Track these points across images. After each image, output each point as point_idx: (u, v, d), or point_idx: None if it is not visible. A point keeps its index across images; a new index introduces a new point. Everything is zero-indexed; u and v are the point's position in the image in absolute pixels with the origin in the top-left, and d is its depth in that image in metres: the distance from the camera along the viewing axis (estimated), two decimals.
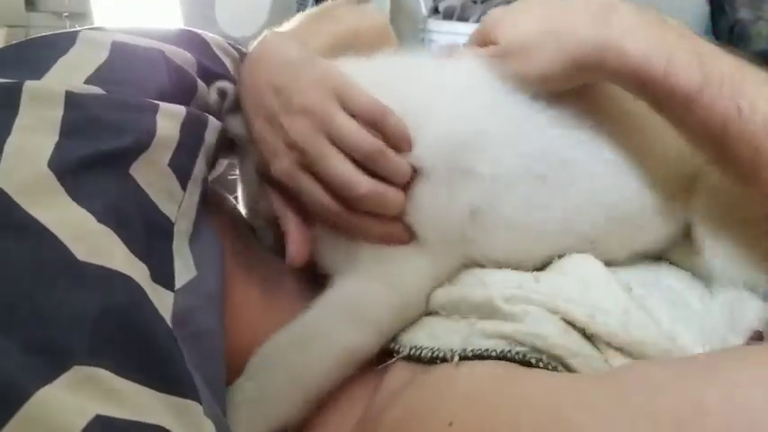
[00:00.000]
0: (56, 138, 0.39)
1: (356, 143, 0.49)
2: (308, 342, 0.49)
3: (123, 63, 0.48)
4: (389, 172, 0.50)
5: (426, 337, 0.52)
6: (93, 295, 0.35)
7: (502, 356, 0.47)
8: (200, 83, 0.57)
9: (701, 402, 0.35)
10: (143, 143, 0.43)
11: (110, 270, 0.37)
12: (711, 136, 0.45)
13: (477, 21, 2.37)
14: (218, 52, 0.62)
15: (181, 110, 0.48)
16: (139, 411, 0.33)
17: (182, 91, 0.52)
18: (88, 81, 0.45)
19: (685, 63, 0.46)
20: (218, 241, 0.49)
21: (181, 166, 0.46)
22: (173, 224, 0.45)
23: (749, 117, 0.43)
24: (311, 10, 0.61)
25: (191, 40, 0.59)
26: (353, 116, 0.49)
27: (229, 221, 0.58)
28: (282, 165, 0.51)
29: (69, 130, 0.41)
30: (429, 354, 0.50)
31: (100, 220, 0.39)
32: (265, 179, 0.55)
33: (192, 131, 0.48)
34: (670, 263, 0.60)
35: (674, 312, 0.51)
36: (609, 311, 0.48)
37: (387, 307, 0.51)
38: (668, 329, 0.49)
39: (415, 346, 0.50)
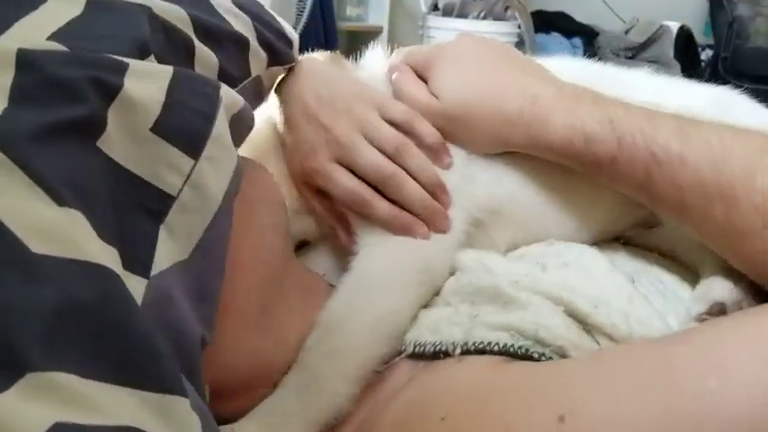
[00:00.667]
0: (4, 105, 0.34)
1: (386, 138, 0.55)
2: (346, 321, 0.51)
3: (96, 18, 0.42)
4: (415, 166, 0.55)
5: (428, 331, 0.52)
6: (49, 291, 0.31)
7: (504, 351, 0.46)
8: (201, 46, 0.50)
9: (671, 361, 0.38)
10: (105, 108, 0.37)
11: (71, 260, 0.32)
12: (640, 186, 0.49)
13: (477, 17, 2.38)
14: (220, 11, 0.55)
15: (165, 69, 0.42)
16: (107, 414, 0.30)
17: (171, 50, 0.46)
18: (52, 37, 0.38)
19: (599, 131, 0.50)
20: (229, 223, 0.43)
21: (176, 130, 0.39)
22: (173, 197, 0.38)
23: (665, 159, 0.47)
24: None
25: None
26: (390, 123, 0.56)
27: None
28: (319, 160, 0.56)
29: (20, 96, 0.35)
30: (432, 348, 0.49)
31: (60, 203, 0.33)
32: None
33: (188, 91, 0.41)
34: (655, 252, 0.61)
35: (665, 304, 0.52)
36: (611, 303, 0.49)
37: (413, 266, 0.55)
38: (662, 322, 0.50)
39: (420, 343, 0.50)
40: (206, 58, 0.50)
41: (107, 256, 0.34)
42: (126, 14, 0.44)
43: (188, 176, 0.39)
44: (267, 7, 0.61)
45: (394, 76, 0.58)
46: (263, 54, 0.56)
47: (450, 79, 0.55)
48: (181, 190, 0.38)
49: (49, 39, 0.38)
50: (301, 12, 2.41)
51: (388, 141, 0.55)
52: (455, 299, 0.53)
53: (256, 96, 0.57)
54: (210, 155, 0.40)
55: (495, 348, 0.46)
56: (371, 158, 0.54)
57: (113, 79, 0.37)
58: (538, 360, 0.45)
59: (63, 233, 0.32)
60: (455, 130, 0.55)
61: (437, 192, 0.55)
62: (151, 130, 0.38)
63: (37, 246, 0.31)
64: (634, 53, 2.72)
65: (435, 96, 0.55)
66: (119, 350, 0.32)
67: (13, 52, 0.36)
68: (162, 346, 0.34)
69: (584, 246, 0.55)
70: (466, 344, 0.47)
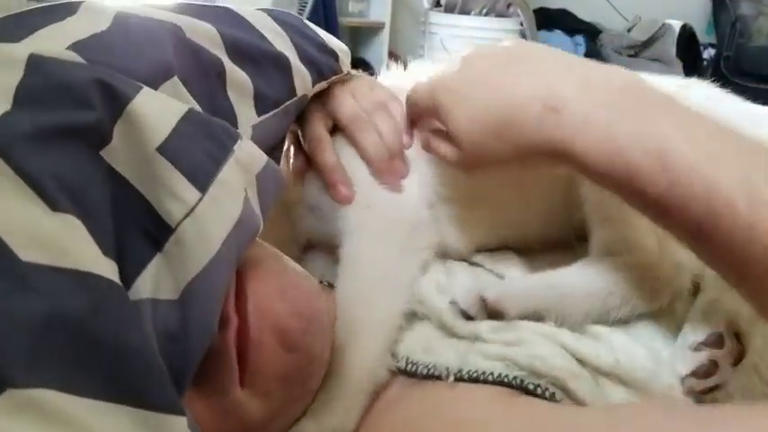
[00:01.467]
0: (7, 106, 0.32)
1: (367, 99, 0.60)
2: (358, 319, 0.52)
3: (120, 35, 0.41)
4: (384, 126, 0.60)
5: (421, 350, 0.51)
6: (37, 302, 0.29)
7: (498, 381, 0.45)
8: (233, 68, 0.48)
9: None
10: (113, 118, 0.36)
11: (62, 270, 0.30)
12: (691, 238, 0.40)
13: (479, 13, 2.37)
14: (259, 29, 0.53)
15: (180, 105, 0.40)
16: None
17: (199, 74, 0.45)
18: (71, 47, 0.37)
19: (647, 167, 0.40)
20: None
21: (183, 158, 0.37)
22: (171, 228, 0.36)
23: (726, 222, 0.37)
24: None
25: (221, 15, 0.51)
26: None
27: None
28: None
29: (24, 97, 0.33)
30: (425, 371, 0.48)
31: (54, 208, 0.31)
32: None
33: (200, 131, 0.39)
34: None
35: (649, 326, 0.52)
36: (594, 335, 0.49)
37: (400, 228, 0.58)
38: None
39: (412, 361, 0.50)
40: (238, 81, 0.48)
41: (104, 264, 0.32)
42: (151, 34, 0.43)
43: (192, 209, 0.36)
44: (269, 4, 0.59)
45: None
46: (305, 72, 0.54)
47: (458, 121, 0.50)
48: (180, 222, 0.36)
49: (68, 48, 0.37)
50: (303, 7, 2.41)
51: (367, 101, 0.60)
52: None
53: (298, 112, 0.56)
54: (215, 195, 0.37)
55: (490, 378, 0.45)
56: (350, 103, 0.59)
57: (124, 91, 0.36)
58: (533, 392, 0.44)
59: (55, 240, 0.30)
60: (485, 167, 0.52)
61: (396, 155, 0.58)
62: (157, 150, 0.36)
63: (26, 253, 0.30)
64: (636, 51, 2.72)
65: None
66: (110, 365, 0.30)
67: (25, 56, 0.35)
68: (158, 361, 0.32)
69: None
70: (460, 371, 0.46)
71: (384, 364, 0.49)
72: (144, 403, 0.30)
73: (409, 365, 0.48)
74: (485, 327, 0.48)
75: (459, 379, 0.46)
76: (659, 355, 0.48)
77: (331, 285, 0.54)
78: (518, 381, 0.44)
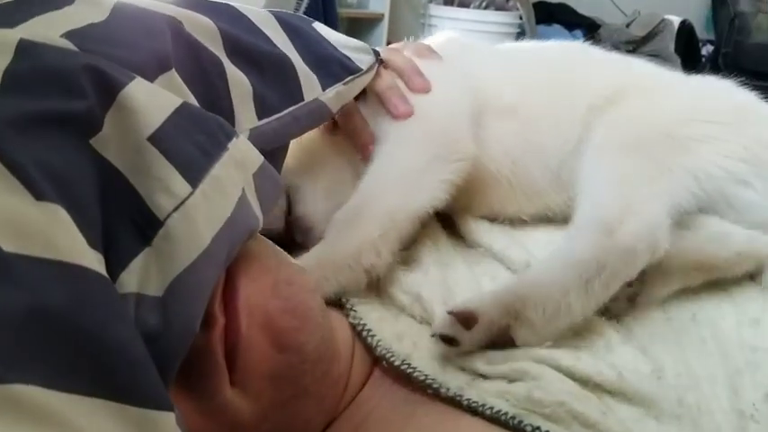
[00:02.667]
0: None
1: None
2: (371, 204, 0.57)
3: (118, 26, 0.40)
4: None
5: (429, 358, 0.49)
6: (18, 294, 0.28)
7: (495, 417, 0.44)
8: (231, 68, 0.47)
9: None
10: (104, 107, 0.34)
11: (45, 261, 0.29)
12: None
13: (479, 6, 2.36)
14: (263, 29, 0.52)
15: (174, 98, 0.39)
16: (75, 430, 0.28)
17: (198, 70, 0.44)
18: (66, 36, 0.36)
19: None
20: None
21: (175, 150, 0.36)
22: (159, 222, 0.34)
23: None
24: None
25: (223, 11, 0.50)
26: None
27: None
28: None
29: (11, 82, 0.32)
30: (428, 382, 0.46)
31: (38, 197, 0.30)
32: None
33: (194, 125, 0.39)
34: None
35: (650, 328, 0.51)
36: (592, 350, 0.49)
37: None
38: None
39: (412, 366, 0.49)
40: (237, 81, 0.47)
41: (90, 256, 0.31)
42: (150, 26, 0.42)
43: (182, 202, 0.35)
44: (262, 7, 0.57)
45: None
46: (312, 76, 0.53)
47: None
48: (170, 215, 0.34)
49: (62, 36, 0.36)
50: None
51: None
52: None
53: (315, 119, 0.54)
54: (207, 191, 0.36)
55: (488, 412, 0.44)
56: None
57: (116, 79, 0.35)
58: None
59: (39, 231, 0.29)
60: None
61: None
62: (149, 139, 0.35)
63: (8, 244, 0.28)
64: (635, 47, 2.71)
65: None
66: (95, 359, 0.29)
67: (15, 40, 0.33)
68: (146, 356, 0.31)
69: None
70: (460, 396, 0.45)
71: (375, 253, 0.53)
72: (131, 399, 0.30)
73: (409, 369, 0.48)
74: (480, 361, 0.48)
75: (457, 404, 0.45)
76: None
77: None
78: (516, 421, 0.43)
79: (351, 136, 0.63)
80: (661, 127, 0.60)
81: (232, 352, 0.39)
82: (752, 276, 0.55)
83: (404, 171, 0.59)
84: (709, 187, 0.57)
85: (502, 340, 0.48)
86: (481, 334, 0.47)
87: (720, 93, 0.68)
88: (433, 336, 0.48)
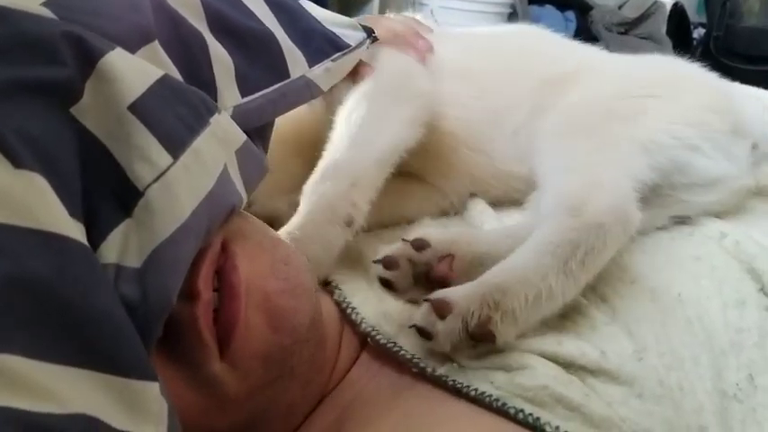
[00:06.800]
0: None
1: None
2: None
3: None
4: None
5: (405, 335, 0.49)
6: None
7: (479, 397, 0.44)
8: (214, 43, 0.45)
9: None
10: (83, 75, 0.34)
11: (25, 229, 0.29)
12: None
13: None
14: (248, 5, 0.51)
15: (155, 69, 0.38)
16: (58, 400, 0.27)
17: (181, 43, 0.43)
18: (46, 4, 0.35)
19: None
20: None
21: (156, 119, 0.35)
22: (140, 192, 0.34)
23: None
24: None
25: None
26: None
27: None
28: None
29: None
30: (409, 357, 0.47)
31: (17, 164, 0.29)
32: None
33: (176, 96, 0.38)
34: None
35: (635, 308, 0.52)
36: (576, 333, 0.49)
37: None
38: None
39: (395, 343, 0.48)
40: (220, 57, 0.46)
41: (71, 225, 0.31)
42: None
43: (163, 173, 0.34)
44: None
45: None
46: (298, 53, 0.52)
47: None
48: (149, 185, 0.34)
49: (42, 5, 0.35)
50: None
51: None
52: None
53: (303, 96, 0.54)
54: (188, 163, 0.36)
55: (472, 393, 0.44)
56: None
57: (96, 46, 0.34)
58: (514, 417, 0.43)
59: (18, 199, 0.29)
60: None
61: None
62: (129, 108, 0.34)
63: None
64: (627, 28, 2.70)
65: None
66: (77, 329, 0.29)
67: None
68: (129, 325, 0.31)
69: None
70: (446, 377, 0.46)
71: (350, 203, 0.54)
72: (114, 368, 0.29)
73: (390, 344, 0.48)
74: (463, 355, 0.47)
75: (443, 384, 0.46)
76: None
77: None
78: (499, 404, 0.44)
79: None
80: (603, 105, 0.62)
81: (229, 331, 0.39)
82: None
83: (362, 121, 0.59)
84: (661, 157, 0.58)
85: (481, 334, 0.46)
86: (455, 324, 0.46)
87: (656, 66, 0.71)
88: (410, 327, 0.47)
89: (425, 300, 0.47)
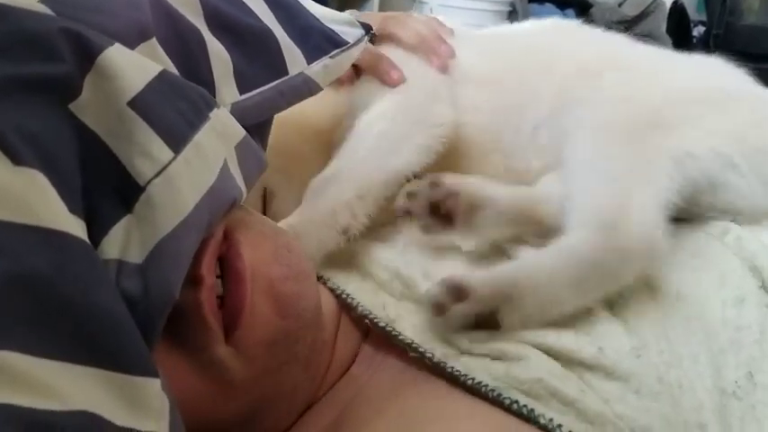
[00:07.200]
0: None
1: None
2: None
3: None
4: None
5: (411, 328, 0.50)
6: None
7: (476, 387, 0.45)
8: (212, 39, 0.45)
9: None
10: (82, 71, 0.34)
11: (24, 226, 0.29)
12: None
13: None
14: (246, 1, 0.51)
15: (154, 65, 0.38)
16: (59, 396, 0.27)
17: (179, 41, 0.43)
18: (44, 1, 0.35)
19: None
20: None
21: (156, 115, 0.35)
22: (140, 187, 0.34)
23: None
24: None
25: None
26: None
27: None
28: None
29: None
30: (411, 344, 0.48)
31: (16, 162, 0.29)
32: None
33: (175, 91, 0.38)
34: None
35: (634, 305, 0.51)
36: (574, 326, 0.49)
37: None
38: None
39: (393, 328, 0.49)
40: (218, 54, 0.46)
41: (71, 222, 0.31)
42: None
43: (164, 168, 0.34)
44: None
45: None
46: (297, 50, 0.52)
47: None
48: (151, 181, 0.34)
49: (39, 2, 0.35)
50: None
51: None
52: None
53: (301, 94, 0.53)
54: (189, 158, 0.36)
55: (469, 383, 0.45)
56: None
57: (95, 42, 0.34)
58: (509, 408, 0.44)
59: (18, 196, 0.29)
60: None
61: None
62: (129, 104, 0.34)
63: None
64: (627, 26, 2.70)
65: None
66: (78, 325, 0.29)
67: None
68: (130, 321, 0.31)
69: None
70: (444, 363, 0.46)
71: (351, 214, 0.56)
72: (115, 365, 0.29)
73: (389, 328, 0.49)
74: (464, 339, 0.48)
75: (440, 371, 0.46)
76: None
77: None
78: (495, 394, 0.44)
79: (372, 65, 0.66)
80: (649, 110, 0.60)
81: (235, 316, 0.39)
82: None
83: (382, 136, 0.61)
84: (695, 170, 0.56)
85: (486, 321, 0.48)
86: (469, 309, 0.48)
87: (710, 72, 0.68)
88: (424, 298, 0.49)
89: (443, 280, 0.49)
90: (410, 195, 0.58)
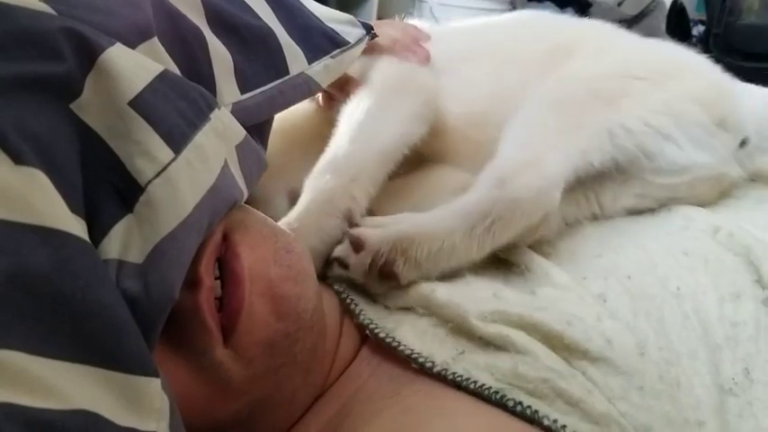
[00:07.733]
0: None
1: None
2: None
3: None
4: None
5: (414, 336, 0.49)
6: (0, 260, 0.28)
7: (478, 391, 0.44)
8: (213, 39, 0.45)
9: None
10: (83, 71, 0.34)
11: (25, 225, 0.29)
12: None
13: None
14: (247, 1, 0.51)
15: (155, 65, 0.38)
16: (59, 396, 0.27)
17: (180, 40, 0.43)
18: (46, 0, 0.35)
19: None
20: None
21: (157, 115, 0.35)
22: (141, 187, 0.34)
23: None
24: None
25: None
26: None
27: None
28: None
29: None
30: (415, 357, 0.47)
31: (17, 161, 0.29)
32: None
33: (176, 91, 0.38)
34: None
35: (633, 304, 0.51)
36: (583, 319, 0.49)
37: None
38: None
39: (394, 338, 0.48)
40: (219, 54, 0.46)
41: (72, 221, 0.31)
42: None
43: (164, 168, 0.34)
44: None
45: None
46: (297, 50, 0.52)
47: None
48: (151, 181, 0.34)
49: (41, 1, 0.35)
50: None
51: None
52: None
53: (302, 93, 0.54)
54: (190, 158, 0.36)
55: (472, 386, 0.45)
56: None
57: (96, 42, 0.34)
58: (513, 409, 0.43)
59: (18, 195, 0.29)
60: None
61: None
62: (130, 104, 0.34)
63: None
64: (626, 26, 2.70)
65: None
66: (79, 324, 0.29)
67: None
68: (131, 321, 0.31)
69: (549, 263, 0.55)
70: (445, 371, 0.46)
71: (350, 197, 0.56)
72: (115, 365, 0.29)
73: (389, 339, 0.48)
74: (474, 316, 0.48)
75: (443, 379, 0.46)
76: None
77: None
78: (498, 396, 0.44)
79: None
80: (590, 83, 0.62)
81: (233, 317, 0.39)
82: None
83: (366, 116, 0.61)
84: (627, 143, 0.58)
85: (386, 273, 0.51)
86: (366, 259, 0.51)
87: (658, 50, 0.71)
88: (331, 259, 0.53)
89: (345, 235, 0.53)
90: (340, 263, 0.53)
